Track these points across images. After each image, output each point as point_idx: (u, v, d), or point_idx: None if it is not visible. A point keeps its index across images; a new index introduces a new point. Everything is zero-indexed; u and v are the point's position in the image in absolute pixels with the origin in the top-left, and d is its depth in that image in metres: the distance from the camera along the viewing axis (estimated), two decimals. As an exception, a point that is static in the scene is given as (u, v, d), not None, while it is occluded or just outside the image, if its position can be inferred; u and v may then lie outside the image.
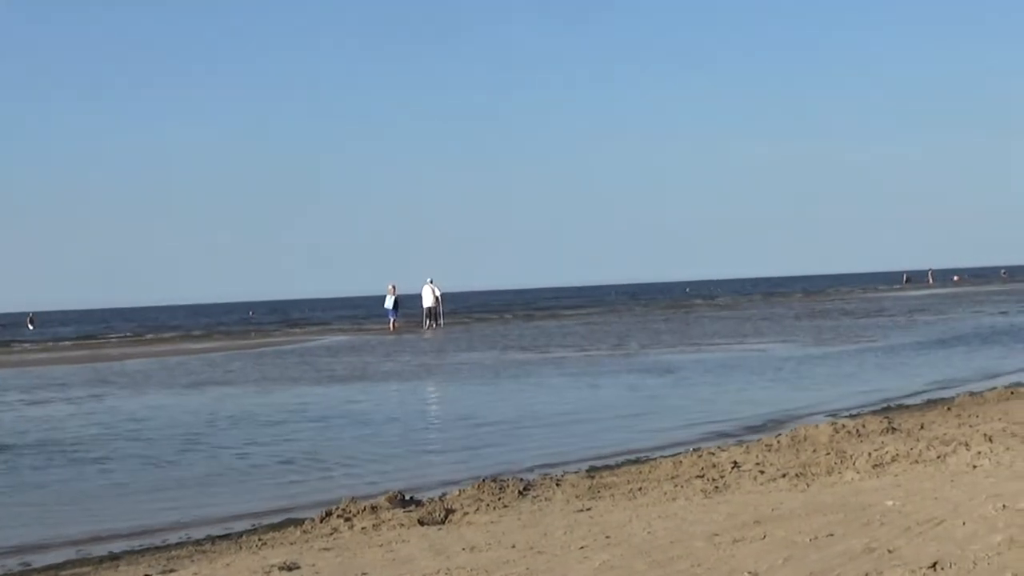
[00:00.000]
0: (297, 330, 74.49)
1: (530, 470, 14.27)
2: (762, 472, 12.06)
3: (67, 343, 68.88)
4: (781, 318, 59.12)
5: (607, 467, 14.27)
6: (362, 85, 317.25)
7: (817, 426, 14.73)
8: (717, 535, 8.89)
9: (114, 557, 10.65)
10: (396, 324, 61.71)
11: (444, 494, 12.41)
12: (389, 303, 61.82)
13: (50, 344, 67.89)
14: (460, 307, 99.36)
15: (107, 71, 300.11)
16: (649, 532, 9.33)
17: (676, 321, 61.56)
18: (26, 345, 68.52)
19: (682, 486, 11.71)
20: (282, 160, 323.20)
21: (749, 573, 7.62)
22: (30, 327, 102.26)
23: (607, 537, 9.25)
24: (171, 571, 9.47)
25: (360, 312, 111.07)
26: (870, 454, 12.15)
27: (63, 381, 34.52)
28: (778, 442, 14.11)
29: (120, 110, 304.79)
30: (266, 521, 12.05)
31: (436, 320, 61.47)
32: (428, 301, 61.36)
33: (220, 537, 11.30)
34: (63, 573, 9.99)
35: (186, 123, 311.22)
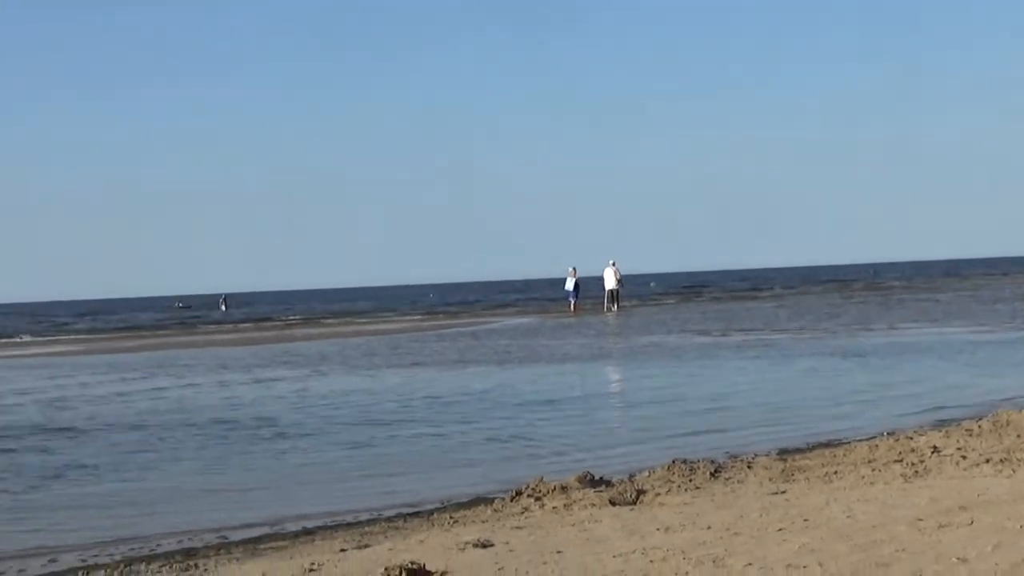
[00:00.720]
0: (476, 312, 75.04)
1: (717, 452, 14.10)
2: (964, 457, 11.76)
3: (247, 324, 70.16)
4: (972, 300, 57.83)
5: (798, 450, 14.05)
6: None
7: (1021, 411, 14.33)
8: (921, 520, 8.68)
9: (308, 532, 10.75)
10: (577, 306, 61.85)
11: (633, 475, 12.32)
12: (570, 285, 62.10)
13: (230, 326, 69.17)
14: (638, 290, 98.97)
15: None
16: (849, 516, 9.14)
17: (856, 303, 60.61)
18: (210, 327, 70.13)
19: (880, 470, 11.47)
20: (452, 139, 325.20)
21: (958, 559, 7.42)
22: (223, 308, 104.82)
23: (805, 520, 9.10)
24: (366, 546, 9.53)
25: (539, 294, 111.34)
26: (1075, 440, 11.79)
27: (249, 362, 35.13)
28: (979, 427, 13.76)
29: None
30: (455, 500, 12.08)
31: (617, 302, 61.35)
32: (610, 283, 61.16)
33: (411, 515, 11.35)
34: (261, 547, 10.09)
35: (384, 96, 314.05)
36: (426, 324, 60.26)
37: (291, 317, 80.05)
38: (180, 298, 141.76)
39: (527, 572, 7.90)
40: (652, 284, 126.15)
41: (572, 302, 62.30)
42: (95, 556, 10.12)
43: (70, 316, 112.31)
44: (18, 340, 63.69)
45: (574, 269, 61.85)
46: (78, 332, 72.12)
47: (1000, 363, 24.70)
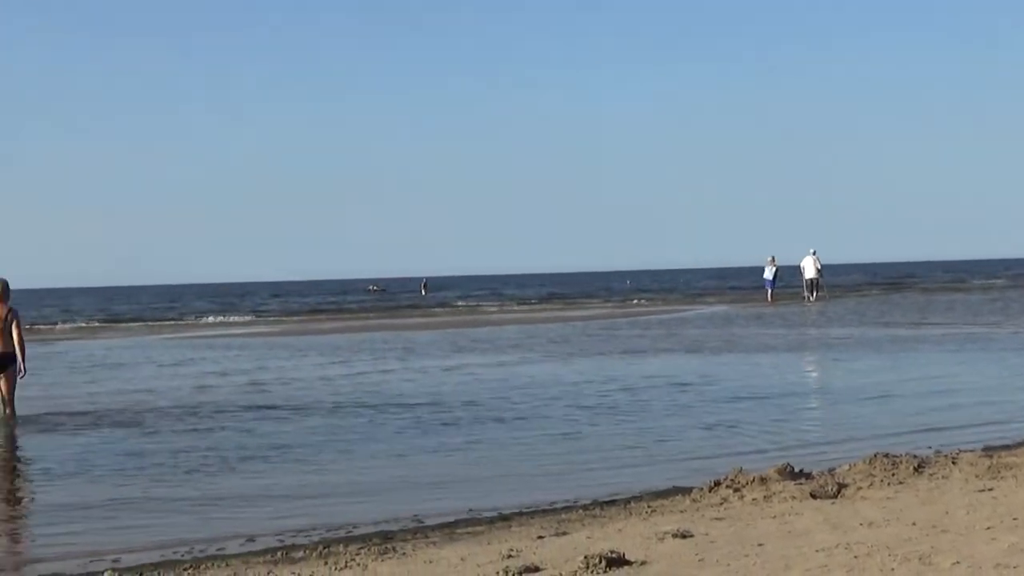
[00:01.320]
0: (671, 300, 74.81)
1: (920, 447, 13.82)
2: None
3: (442, 309, 70.82)
4: None
5: (1005, 447, 13.70)
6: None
7: None
8: None
9: (504, 518, 10.77)
10: (774, 295, 61.32)
11: (834, 468, 12.13)
12: (768, 274, 61.61)
13: (425, 309, 69.94)
14: (839, 279, 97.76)
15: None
16: (1062, 516, 8.88)
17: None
18: (407, 309, 71.16)
19: (1092, 468, 11.14)
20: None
21: None
22: (423, 292, 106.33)
23: (1014, 519, 8.84)
24: (563, 533, 9.51)
25: (736, 282, 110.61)
26: None
27: (445, 347, 35.41)
28: None
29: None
30: (653, 489, 12.01)
31: (817, 292, 60.72)
32: (810, 272, 60.56)
33: (608, 503, 11.31)
34: (457, 531, 10.14)
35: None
36: (619, 312, 60.25)
37: (487, 302, 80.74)
38: (374, 281, 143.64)
39: (728, 564, 7.81)
40: (628, 281, 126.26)
41: (769, 291, 61.82)
42: (293, 537, 10.26)
43: (263, 297, 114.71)
44: (209, 321, 65.21)
45: (773, 258, 61.31)
46: (271, 312, 73.60)
47: None
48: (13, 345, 19.02)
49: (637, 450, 14.72)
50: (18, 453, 16.01)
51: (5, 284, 19.14)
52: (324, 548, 9.53)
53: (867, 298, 67.95)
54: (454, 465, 14.05)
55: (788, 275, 64.46)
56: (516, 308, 70.14)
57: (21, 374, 19.14)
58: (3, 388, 19.10)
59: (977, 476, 11.21)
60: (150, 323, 64.06)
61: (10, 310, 19.13)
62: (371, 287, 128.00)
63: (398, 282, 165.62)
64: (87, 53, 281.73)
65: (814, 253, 60.33)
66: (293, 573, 8.23)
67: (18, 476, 14.37)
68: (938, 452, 13.17)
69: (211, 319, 66.61)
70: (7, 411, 19.06)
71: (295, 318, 66.06)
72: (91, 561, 9.54)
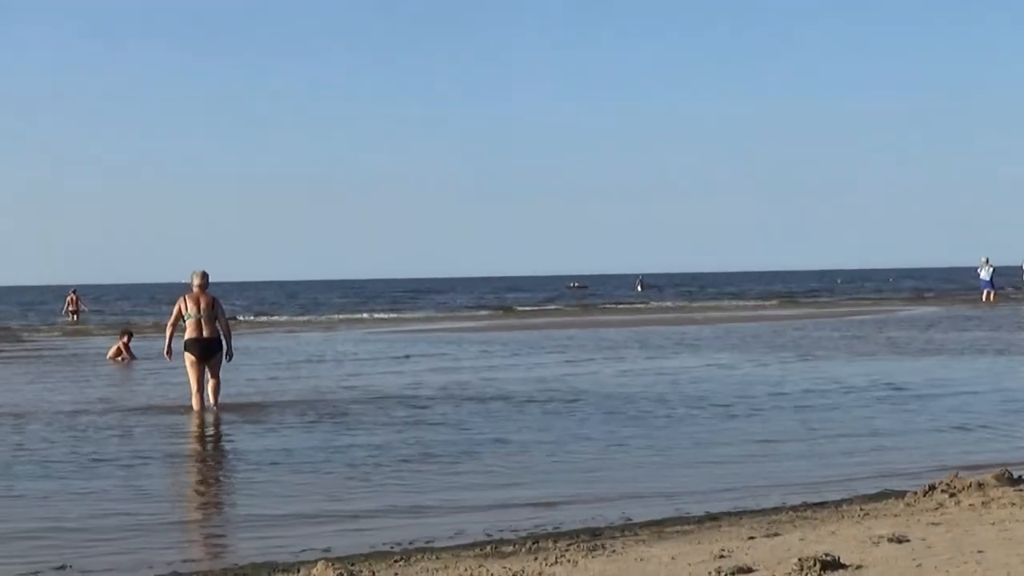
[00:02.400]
0: (878, 300, 73.76)
1: None
2: None
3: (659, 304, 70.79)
4: None
5: None
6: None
7: None
8: None
9: (713, 518, 10.68)
10: (991, 296, 60.35)
11: (1054, 475, 11.82)
12: (985, 275, 60.63)
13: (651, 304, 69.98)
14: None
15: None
16: None
17: None
18: (622, 306, 71.81)
19: None
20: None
21: None
22: (638, 289, 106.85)
23: None
24: (775, 535, 9.40)
25: (944, 284, 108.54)
26: None
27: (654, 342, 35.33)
28: None
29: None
30: (861, 491, 11.83)
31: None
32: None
33: (818, 505, 11.16)
34: (666, 530, 10.09)
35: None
36: (822, 312, 59.65)
37: (694, 301, 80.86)
38: (574, 278, 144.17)
39: (947, 571, 7.63)
40: (839, 280, 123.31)
41: (986, 292, 60.85)
42: (501, 532, 10.30)
43: (459, 293, 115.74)
44: (378, 316, 65.84)
45: (987, 259, 60.34)
46: (470, 309, 74.33)
47: None
48: (218, 331, 19.80)
49: (847, 452, 14.51)
50: (227, 443, 16.35)
51: (205, 275, 20.03)
52: (533, 543, 9.54)
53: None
54: (664, 457, 14.05)
55: (1006, 275, 63.35)
56: (721, 307, 69.81)
57: (229, 358, 19.95)
58: (210, 372, 19.77)
59: None
60: (312, 318, 64.93)
61: (213, 299, 19.96)
62: (572, 284, 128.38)
63: (599, 279, 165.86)
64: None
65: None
66: (504, 568, 8.26)
67: (226, 466, 14.64)
68: None
69: (388, 315, 67.13)
70: (212, 396, 19.72)
71: (491, 313, 66.57)
72: (302, 551, 9.69)
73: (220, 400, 19.73)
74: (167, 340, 20.32)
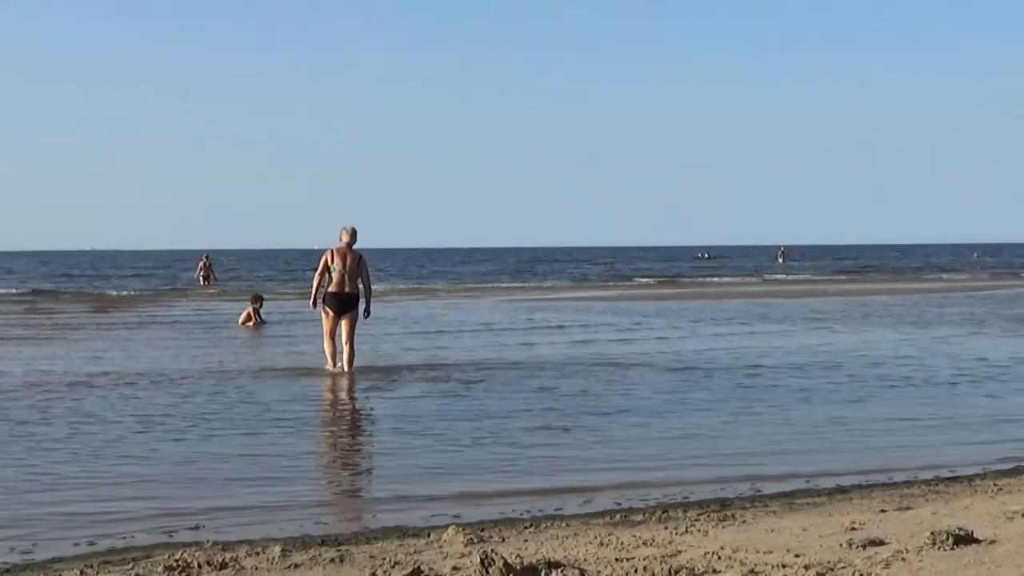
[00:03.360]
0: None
1: None
2: None
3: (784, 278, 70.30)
4: None
5: None
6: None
7: None
8: None
9: (843, 490, 10.66)
10: None
11: None
12: None
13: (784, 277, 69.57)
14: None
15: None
16: None
17: None
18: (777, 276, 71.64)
19: None
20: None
21: None
22: (780, 260, 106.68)
23: None
24: (907, 508, 9.37)
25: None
26: None
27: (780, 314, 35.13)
28: None
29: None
30: (996, 466, 11.74)
31: None
32: None
33: (950, 479, 11.10)
34: (796, 502, 10.09)
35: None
36: (956, 285, 58.96)
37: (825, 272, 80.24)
38: (704, 248, 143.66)
39: (1083, 547, 7.58)
40: (976, 254, 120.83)
41: None
42: (630, 500, 10.36)
43: (583, 262, 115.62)
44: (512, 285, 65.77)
45: None
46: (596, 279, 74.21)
47: None
48: (359, 289, 20.14)
49: (978, 426, 14.39)
50: (360, 407, 16.56)
51: (354, 231, 20.28)
52: (663, 512, 9.60)
53: None
54: (794, 430, 14.02)
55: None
56: (839, 281, 69.19)
57: (367, 315, 20.29)
58: (344, 328, 20.04)
59: None
60: (445, 286, 65.00)
61: (359, 256, 20.22)
62: (701, 254, 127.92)
63: (729, 250, 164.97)
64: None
65: None
66: (634, 536, 8.32)
67: (358, 431, 14.82)
68: None
69: (519, 284, 66.90)
70: (347, 363, 19.96)
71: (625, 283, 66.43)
72: (432, 516, 9.81)
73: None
74: (313, 291, 20.61)
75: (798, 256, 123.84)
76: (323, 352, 20.26)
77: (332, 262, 20.09)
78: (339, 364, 19.89)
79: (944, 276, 75.38)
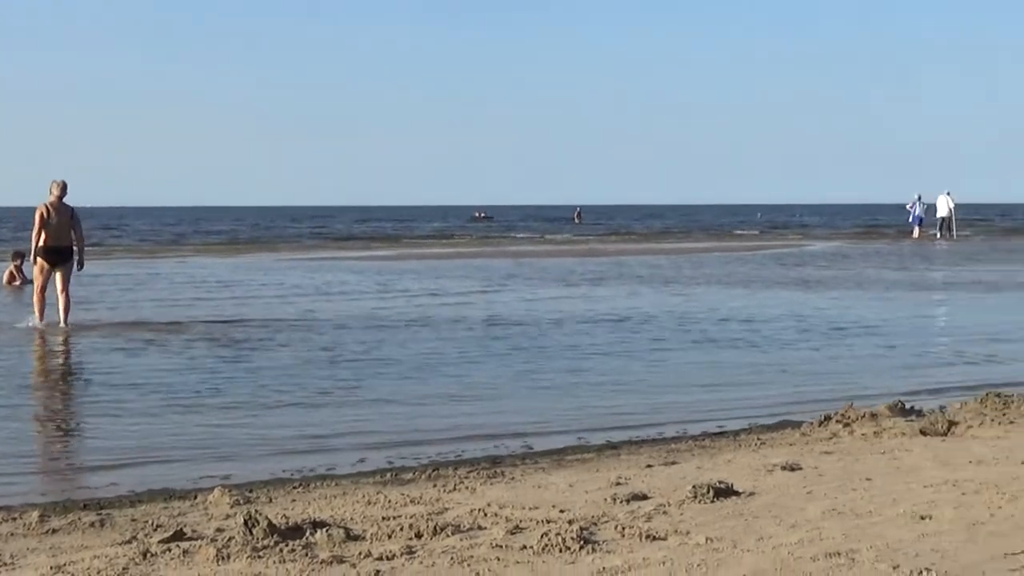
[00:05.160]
0: (789, 236, 74.42)
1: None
2: None
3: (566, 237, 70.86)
4: None
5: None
6: None
7: None
8: None
9: (613, 447, 10.81)
10: (920, 232, 61.55)
11: (944, 406, 12.10)
12: (919, 211, 61.99)
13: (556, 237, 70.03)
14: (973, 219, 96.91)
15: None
16: None
17: None
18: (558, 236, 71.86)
19: None
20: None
21: None
22: (577, 220, 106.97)
23: None
24: (672, 463, 9.56)
25: (875, 220, 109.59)
26: None
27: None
28: None
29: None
30: (761, 422, 12.02)
31: (951, 231, 60.98)
32: (943, 211, 61.34)
33: (717, 434, 11.33)
34: (566, 459, 10.20)
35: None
36: (735, 244, 60.11)
37: (611, 232, 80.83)
38: (479, 208, 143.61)
39: (835, 497, 7.83)
40: (759, 214, 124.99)
41: (916, 228, 62.53)
42: (402, 459, 10.39)
43: (348, 221, 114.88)
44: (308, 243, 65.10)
45: (919, 196, 61.98)
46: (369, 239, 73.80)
47: None
48: (71, 241, 20.50)
49: (748, 382, 14.71)
50: (77, 363, 16.47)
51: (64, 185, 20.52)
52: (433, 471, 9.63)
53: (1013, 238, 67.53)
54: (562, 392, 14.13)
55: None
56: (625, 239, 70.01)
57: (80, 267, 20.71)
58: (59, 280, 20.36)
59: (1091, 417, 11.10)
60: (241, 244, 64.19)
61: (71, 209, 20.57)
62: (477, 214, 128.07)
63: (504, 210, 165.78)
64: None
65: (948, 193, 61.03)
66: (403, 494, 8.35)
67: (103, 391, 14.22)
68: (1052, 392, 13.03)
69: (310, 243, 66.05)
70: (62, 300, 20.25)
71: (405, 243, 66.23)
72: (201, 478, 9.71)
73: (73, 318, 20.29)
74: (33, 246, 20.51)
75: (593, 217, 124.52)
76: (33, 306, 20.48)
77: (48, 216, 20.24)
78: (47, 320, 20.16)
79: (736, 233, 76.94)
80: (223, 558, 6.59)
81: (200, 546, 6.82)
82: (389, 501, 8.11)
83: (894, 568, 6.15)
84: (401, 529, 7.08)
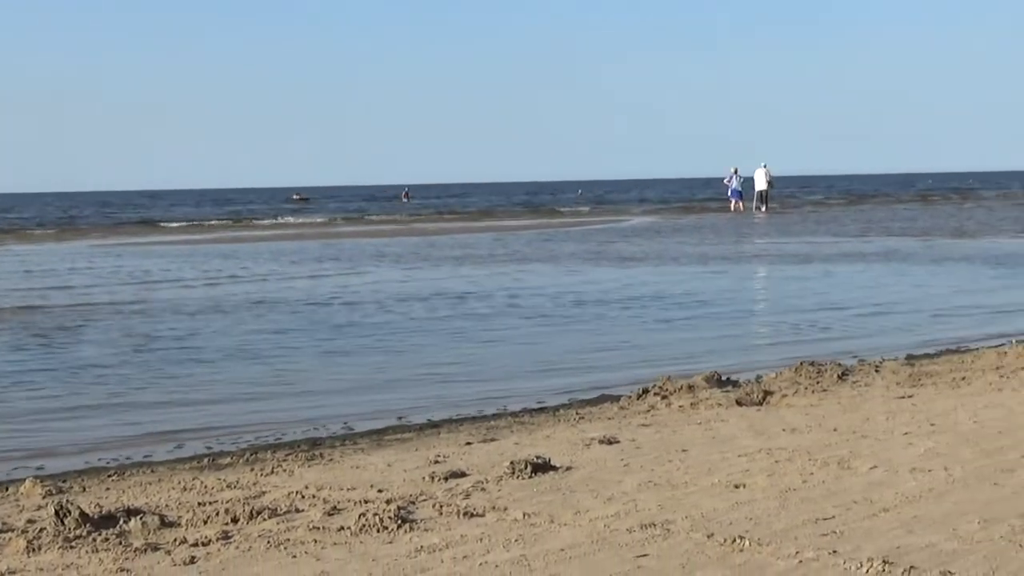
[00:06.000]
0: (611, 211, 75.00)
1: (844, 356, 13.97)
2: (1095, 364, 11.58)
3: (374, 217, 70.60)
4: None
5: (926, 355, 13.90)
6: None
7: None
8: (1049, 426, 8.58)
9: (434, 425, 10.81)
10: (741, 205, 62.51)
11: (760, 376, 12.29)
12: (736, 184, 62.63)
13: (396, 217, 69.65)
14: (791, 191, 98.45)
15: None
16: (975, 421, 9.06)
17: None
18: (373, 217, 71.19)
19: (1008, 377, 11.34)
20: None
21: (1088, 466, 7.32)
22: (405, 200, 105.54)
23: (931, 424, 9.03)
24: (491, 440, 9.59)
25: (702, 193, 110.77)
26: None
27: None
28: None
29: None
30: (581, 397, 12.10)
31: (767, 203, 61.98)
32: (760, 184, 62.12)
33: (537, 410, 11.38)
34: (386, 439, 10.17)
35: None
36: (555, 222, 60.31)
37: (433, 210, 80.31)
38: (297, 190, 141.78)
39: (652, 469, 7.92)
40: (579, 191, 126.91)
41: (735, 202, 63.32)
42: (221, 444, 10.29)
43: (164, 207, 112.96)
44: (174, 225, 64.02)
45: (735, 170, 62.43)
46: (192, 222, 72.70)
47: None
48: None
49: (568, 359, 14.79)
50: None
51: None
52: (252, 454, 9.55)
53: (822, 210, 68.83)
54: (391, 372, 14.09)
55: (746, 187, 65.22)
56: (448, 218, 69.89)
57: None
58: None
59: (898, 384, 11.40)
60: None
61: None
62: (295, 196, 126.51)
63: (325, 191, 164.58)
64: None
65: (765, 166, 61.73)
66: (219, 479, 8.25)
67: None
68: (862, 361, 13.34)
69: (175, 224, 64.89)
70: None
71: (228, 225, 65.31)
72: (14, 469, 9.51)
73: None
74: None
75: (421, 196, 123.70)
76: None
77: None
78: None
79: (559, 211, 77.09)
80: (34, 550, 6.46)
81: (10, 538, 6.68)
82: (205, 487, 8.02)
83: (708, 537, 6.24)
84: (217, 514, 7.00)
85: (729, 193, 64.57)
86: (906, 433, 8.73)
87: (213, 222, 67.64)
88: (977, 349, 14.02)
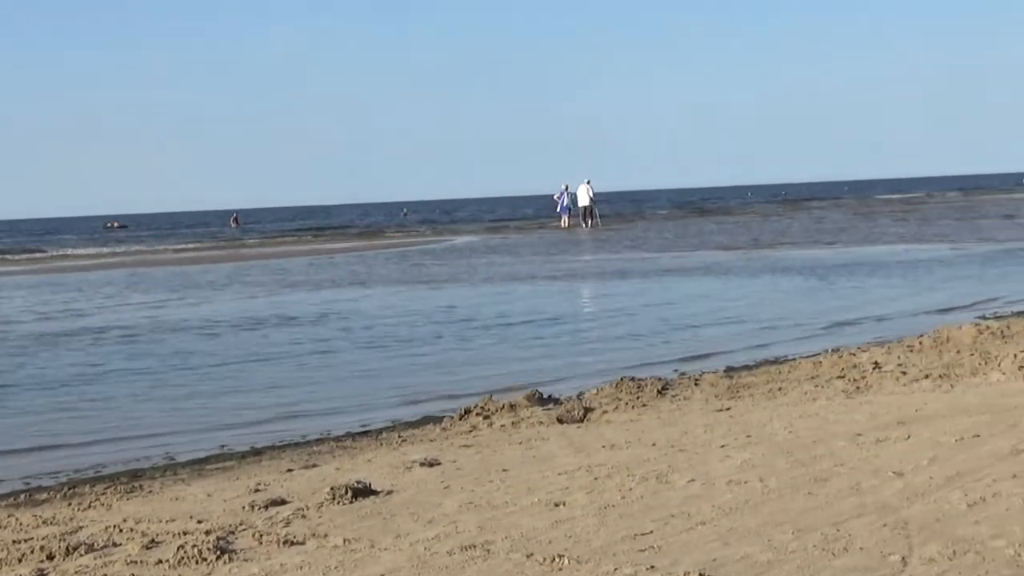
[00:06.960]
0: (439, 231, 74.90)
1: (666, 369, 14.17)
2: (904, 373, 11.88)
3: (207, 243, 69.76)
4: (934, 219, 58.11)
5: (745, 367, 14.15)
6: None
7: (960, 327, 14.40)
8: (860, 435, 8.79)
9: (256, 452, 10.76)
10: (569, 222, 62.98)
11: (582, 393, 12.40)
12: (567, 200, 63.13)
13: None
14: (618, 206, 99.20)
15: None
16: (790, 432, 9.25)
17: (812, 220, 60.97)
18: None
19: (822, 386, 11.58)
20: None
21: (894, 473, 7.52)
22: (233, 226, 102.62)
23: (748, 436, 9.20)
24: (313, 466, 9.56)
25: (533, 211, 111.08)
26: (1016, 355, 11.80)
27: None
28: (920, 343, 13.85)
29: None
30: (404, 419, 12.09)
31: (592, 219, 62.52)
32: (584, 200, 62.63)
33: (360, 434, 11.36)
34: (207, 468, 10.10)
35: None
36: (378, 243, 60.03)
37: (256, 235, 79.24)
38: (114, 217, 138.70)
39: (472, 490, 7.96)
40: (404, 212, 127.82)
41: (564, 218, 63.62)
42: (39, 479, 10.11)
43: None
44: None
45: (566, 186, 63.01)
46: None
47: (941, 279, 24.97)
48: None
49: (387, 383, 14.77)
50: None
51: None
52: (70, 489, 9.39)
53: (634, 223, 69.68)
54: (206, 401, 13.95)
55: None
56: (282, 241, 69.19)
57: None
58: None
59: (717, 396, 11.59)
60: None
61: None
62: (111, 224, 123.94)
63: (141, 219, 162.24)
64: None
65: (588, 182, 62.31)
66: (35, 516, 8.10)
67: None
68: (682, 375, 13.54)
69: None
70: None
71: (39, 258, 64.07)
72: None
73: None
74: None
75: (253, 220, 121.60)
76: None
77: None
78: None
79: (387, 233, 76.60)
80: None
81: None
82: (20, 524, 7.87)
83: (527, 557, 6.29)
84: (32, 552, 6.89)
85: (559, 209, 65.05)
86: (723, 445, 8.88)
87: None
88: (794, 359, 14.27)
